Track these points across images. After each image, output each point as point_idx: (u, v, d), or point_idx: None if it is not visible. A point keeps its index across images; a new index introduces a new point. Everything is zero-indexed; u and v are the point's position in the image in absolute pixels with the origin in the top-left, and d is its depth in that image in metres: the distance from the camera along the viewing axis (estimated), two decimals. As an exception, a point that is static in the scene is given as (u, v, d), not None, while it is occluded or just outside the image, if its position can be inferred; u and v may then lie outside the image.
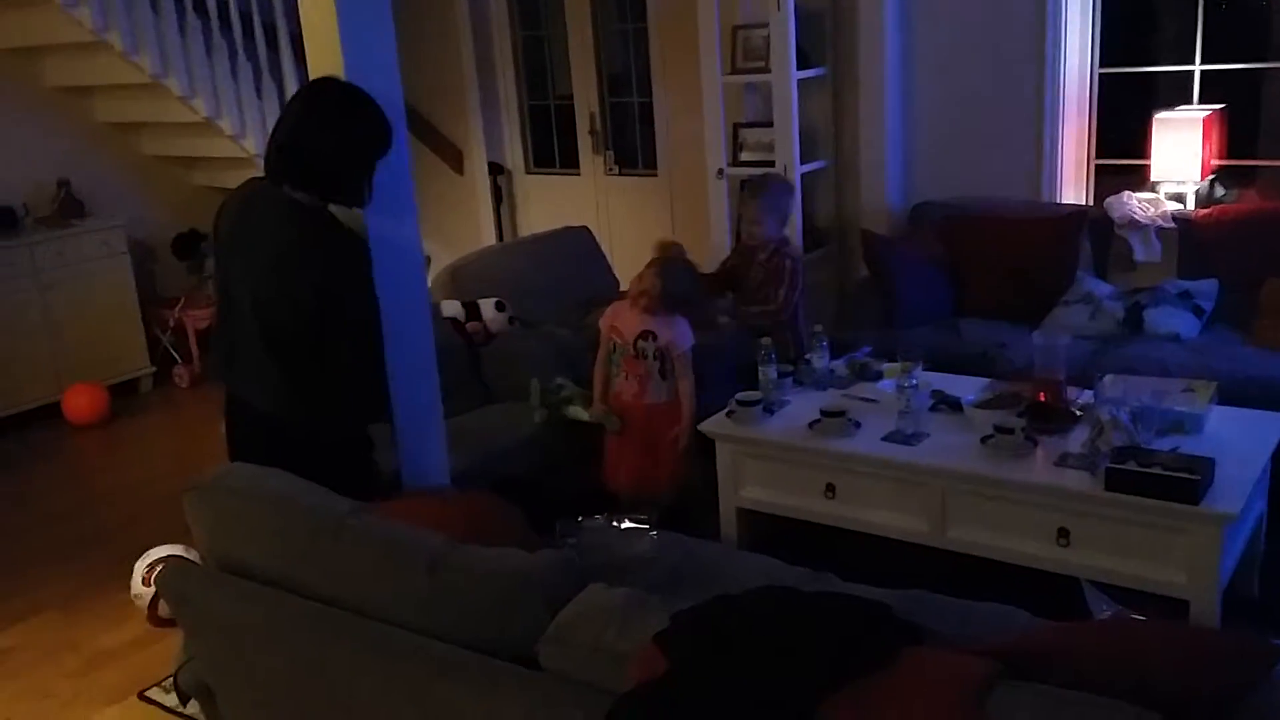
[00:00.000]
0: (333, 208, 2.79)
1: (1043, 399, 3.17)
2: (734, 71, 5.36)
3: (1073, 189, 5.03)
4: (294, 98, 2.79)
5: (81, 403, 5.50)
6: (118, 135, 6.17)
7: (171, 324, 6.14)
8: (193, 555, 3.65)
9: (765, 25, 5.18)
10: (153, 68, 5.33)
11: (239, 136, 5.58)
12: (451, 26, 6.54)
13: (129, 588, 3.66)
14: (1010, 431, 3.03)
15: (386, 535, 2.03)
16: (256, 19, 5.51)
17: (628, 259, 5.69)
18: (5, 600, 3.83)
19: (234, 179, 6.00)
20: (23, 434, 5.46)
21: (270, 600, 2.04)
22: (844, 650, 1.54)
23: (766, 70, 5.17)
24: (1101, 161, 5.04)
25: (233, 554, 2.19)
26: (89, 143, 6.07)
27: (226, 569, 2.20)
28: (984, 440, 3.11)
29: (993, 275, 4.62)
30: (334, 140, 2.65)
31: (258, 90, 5.59)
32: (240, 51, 5.53)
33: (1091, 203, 4.98)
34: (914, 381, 3.23)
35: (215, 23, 5.46)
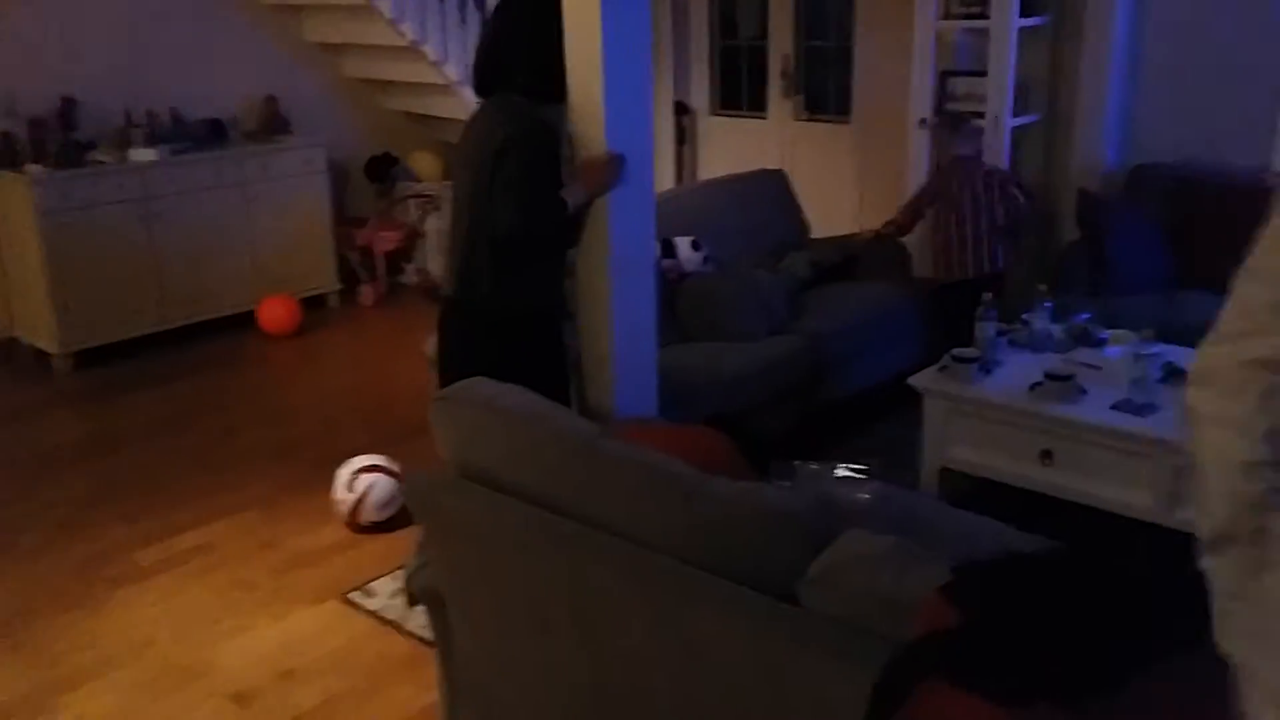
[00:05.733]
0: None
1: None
2: (949, 16, 5.15)
3: (1309, 160, 4.69)
4: (495, 11, 2.95)
5: (278, 313, 5.70)
6: (322, 55, 6.32)
7: (360, 244, 6.30)
8: (395, 467, 3.75)
9: (985, -31, 4.95)
10: (365, -12, 5.43)
11: (441, 62, 5.65)
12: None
13: (326, 492, 3.77)
14: (1260, 410, 2.84)
15: (641, 460, 2.01)
16: (467, -54, 5.55)
17: (813, 207, 5.57)
18: (209, 497, 4.01)
19: (429, 105, 6.22)
20: (220, 339, 5.71)
21: (523, 513, 2.05)
22: (1156, 626, 1.45)
23: (984, 16, 4.95)
24: (1343, 132, 4.67)
25: (479, 464, 2.20)
26: (295, 61, 6.24)
27: (471, 473, 2.22)
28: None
29: (1217, 246, 4.29)
30: (532, 36, 2.82)
31: (462, 18, 5.64)
32: (447, -23, 5.59)
33: (1327, 175, 4.63)
34: (1155, 350, 3.05)
35: (427, -53, 5.52)
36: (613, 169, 2.84)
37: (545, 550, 2.00)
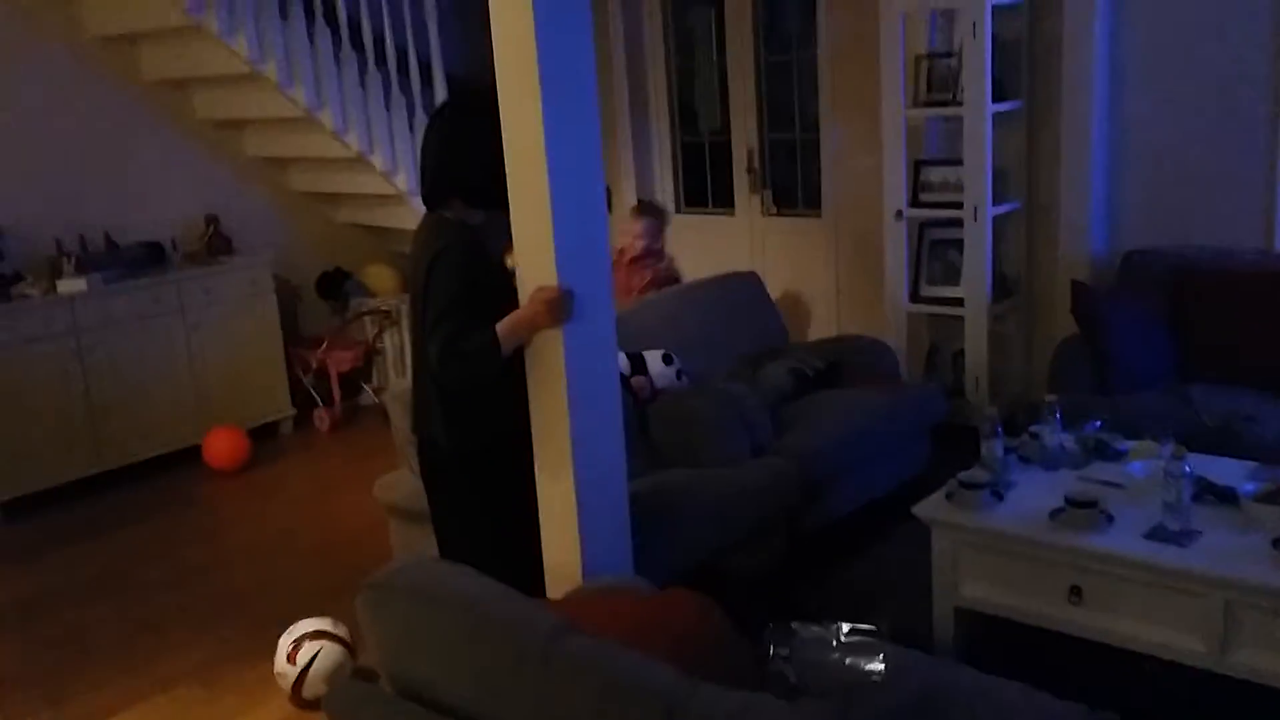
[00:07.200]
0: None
1: (1351, 496, 2.63)
2: (918, 104, 4.93)
3: (1306, 238, 4.44)
4: (433, 119, 2.79)
5: (223, 447, 5.31)
6: (266, 170, 6.03)
7: (314, 365, 5.94)
8: (341, 631, 3.35)
9: (952, 54, 4.76)
10: (307, 100, 5.15)
11: (390, 173, 5.37)
12: (605, 58, 6.25)
13: (268, 658, 3.37)
14: (1315, 536, 2.50)
15: (607, 668, 1.64)
16: (412, 54, 5.29)
17: (786, 304, 5.28)
18: (144, 666, 3.59)
19: (381, 216, 5.92)
20: (163, 478, 5.31)
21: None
22: None
23: (955, 103, 4.73)
24: (1339, 207, 4.43)
25: (416, 672, 1.83)
26: (237, 177, 5.94)
27: (406, 686, 1.85)
28: (1277, 544, 2.58)
29: (1225, 335, 4.05)
30: (474, 148, 2.65)
31: (410, 126, 5.38)
32: (395, 86, 5.33)
33: (1328, 254, 4.38)
34: (1187, 469, 2.72)
35: (371, 56, 5.27)
36: (559, 306, 2.53)
37: (497, 793, 1.62)
